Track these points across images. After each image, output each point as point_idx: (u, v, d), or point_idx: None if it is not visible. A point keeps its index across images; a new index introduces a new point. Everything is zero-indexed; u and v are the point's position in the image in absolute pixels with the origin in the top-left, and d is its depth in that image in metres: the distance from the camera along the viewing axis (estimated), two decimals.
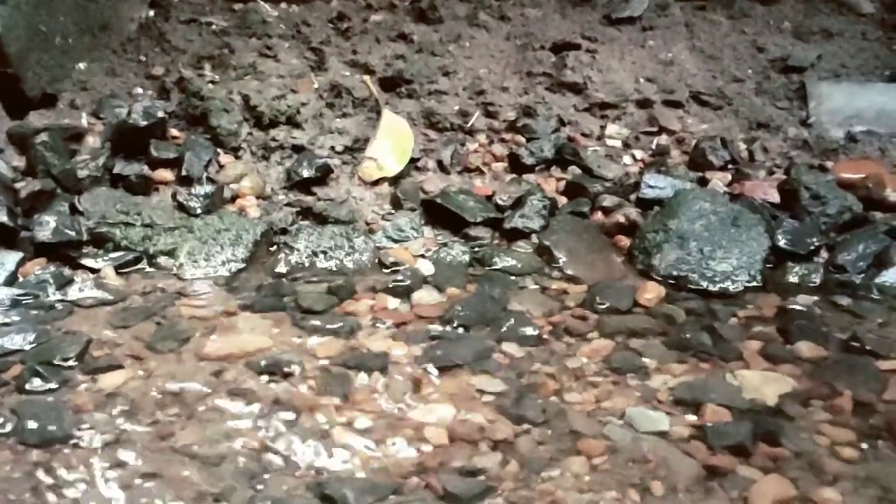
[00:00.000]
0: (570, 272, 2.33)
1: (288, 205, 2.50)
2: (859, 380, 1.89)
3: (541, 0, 3.12)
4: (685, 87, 2.89)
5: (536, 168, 2.67)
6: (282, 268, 2.31)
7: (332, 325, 2.07)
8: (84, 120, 2.62)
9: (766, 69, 2.96)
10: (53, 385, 1.81)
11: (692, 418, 1.77)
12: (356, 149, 2.64)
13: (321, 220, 2.45)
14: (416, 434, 1.72)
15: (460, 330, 2.07)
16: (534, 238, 2.44)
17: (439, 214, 2.49)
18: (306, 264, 2.33)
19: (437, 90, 2.80)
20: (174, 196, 2.46)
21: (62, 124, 2.56)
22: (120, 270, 2.26)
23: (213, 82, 2.73)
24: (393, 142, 2.64)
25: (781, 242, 2.35)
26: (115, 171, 2.47)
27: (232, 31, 2.91)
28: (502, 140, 2.75)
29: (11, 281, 2.17)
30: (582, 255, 2.39)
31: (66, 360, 1.88)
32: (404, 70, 2.81)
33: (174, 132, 2.62)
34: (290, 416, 1.76)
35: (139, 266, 2.29)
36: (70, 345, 1.93)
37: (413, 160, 2.64)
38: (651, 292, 2.21)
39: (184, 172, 2.49)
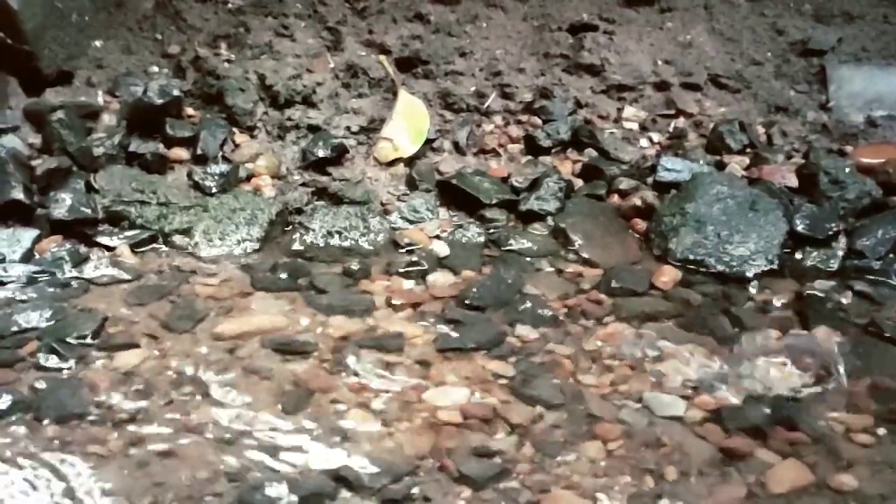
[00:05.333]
0: (585, 255, 2.32)
1: (303, 185, 2.50)
2: (877, 366, 1.88)
3: None
4: (703, 69, 2.86)
5: (552, 150, 2.65)
6: (297, 247, 2.31)
7: (347, 305, 2.06)
8: (100, 98, 2.61)
9: (786, 52, 2.93)
10: (70, 362, 1.82)
11: (708, 403, 1.76)
12: (372, 129, 2.63)
13: (336, 200, 2.44)
14: (431, 416, 1.71)
15: (475, 312, 2.06)
16: (549, 220, 2.43)
17: (454, 196, 2.48)
18: (321, 244, 2.33)
19: (454, 71, 2.78)
20: (189, 175, 2.46)
21: (78, 102, 2.55)
22: (135, 249, 2.26)
23: (228, 61, 2.72)
24: (408, 122, 2.63)
25: (799, 227, 2.33)
26: (131, 149, 2.47)
27: (248, 10, 2.90)
28: (518, 121, 2.73)
29: (28, 258, 2.17)
30: (598, 238, 2.38)
31: (82, 337, 1.89)
32: (421, 50, 2.80)
33: (190, 111, 2.62)
34: (305, 395, 1.76)
35: (154, 244, 2.29)
36: (86, 322, 1.93)
37: (429, 141, 2.63)
38: (667, 276, 2.20)
39: (199, 151, 2.48)
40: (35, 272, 2.13)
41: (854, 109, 2.75)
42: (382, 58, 2.77)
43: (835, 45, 2.92)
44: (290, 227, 2.39)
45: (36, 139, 2.47)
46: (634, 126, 2.74)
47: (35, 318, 1.94)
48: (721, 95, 2.83)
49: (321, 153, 2.52)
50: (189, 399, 1.74)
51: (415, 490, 1.53)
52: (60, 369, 1.80)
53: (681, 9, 3.03)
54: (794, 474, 1.58)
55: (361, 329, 1.98)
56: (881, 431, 1.70)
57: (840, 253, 2.31)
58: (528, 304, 2.08)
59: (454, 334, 1.96)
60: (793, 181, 2.49)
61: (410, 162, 2.58)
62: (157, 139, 2.50)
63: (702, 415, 1.73)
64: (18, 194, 2.25)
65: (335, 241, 2.34)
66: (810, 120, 2.74)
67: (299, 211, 2.42)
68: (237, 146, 2.56)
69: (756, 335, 1.99)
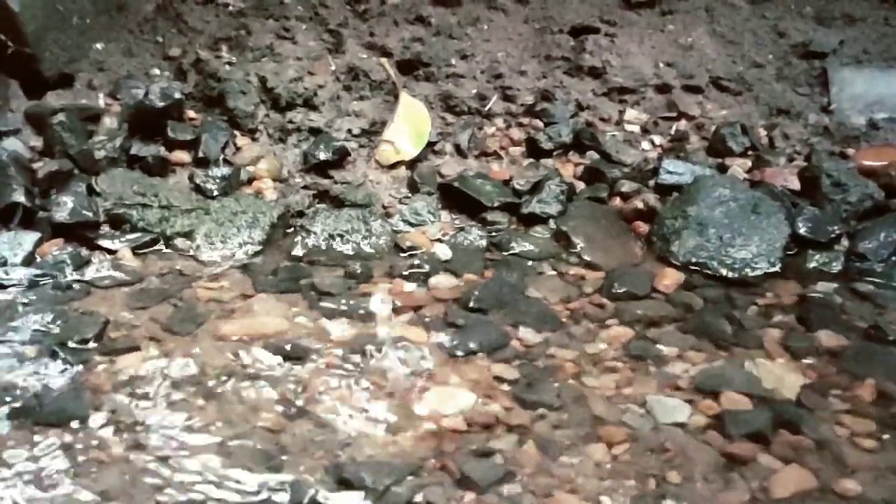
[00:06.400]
0: (587, 258, 2.32)
1: (305, 187, 2.49)
2: (880, 369, 1.88)
3: None
4: (705, 72, 2.86)
5: (554, 153, 2.65)
6: (298, 251, 2.31)
7: (349, 308, 2.06)
8: (101, 100, 2.61)
9: (787, 54, 2.93)
10: (72, 366, 1.81)
11: (711, 406, 1.76)
12: (373, 132, 2.63)
13: (338, 203, 2.44)
14: (434, 419, 1.71)
15: (477, 315, 2.06)
16: (551, 223, 2.43)
17: (456, 199, 2.47)
18: (323, 247, 2.33)
19: (455, 73, 2.78)
20: (191, 178, 2.45)
21: (79, 105, 2.55)
22: (137, 252, 2.26)
23: (230, 64, 2.72)
24: (410, 125, 2.62)
25: (802, 230, 2.33)
26: (132, 152, 2.47)
27: (249, 13, 2.90)
28: (520, 124, 2.73)
29: (29, 261, 2.17)
30: (600, 241, 2.38)
31: (84, 340, 1.88)
32: (422, 53, 2.80)
33: (191, 114, 2.62)
34: (307, 398, 1.76)
35: (156, 247, 2.29)
36: (88, 325, 1.93)
37: (430, 144, 2.63)
38: (669, 279, 2.20)
39: (200, 154, 2.48)
40: (36, 275, 2.12)
41: (855, 112, 2.74)
42: (384, 60, 2.77)
43: (836, 47, 2.91)
44: (292, 230, 2.39)
45: (37, 142, 2.47)
46: (636, 129, 2.74)
47: (37, 322, 1.94)
48: (722, 98, 2.83)
49: (322, 156, 2.52)
50: (191, 402, 1.74)
51: (418, 494, 1.52)
52: (62, 373, 1.80)
53: (682, 11, 3.03)
54: (797, 478, 1.58)
55: (363, 332, 1.98)
56: (885, 436, 1.69)
57: (842, 256, 2.30)
58: (531, 307, 2.08)
59: (456, 337, 1.96)
60: (795, 184, 2.49)
61: (412, 165, 2.58)
62: (158, 142, 2.50)
63: (705, 419, 1.73)
64: (20, 197, 2.25)
65: (337, 243, 2.34)
66: (812, 122, 2.74)
67: (301, 214, 2.42)
68: (238, 149, 2.56)
69: (759, 338, 1.99)
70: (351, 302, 2.09)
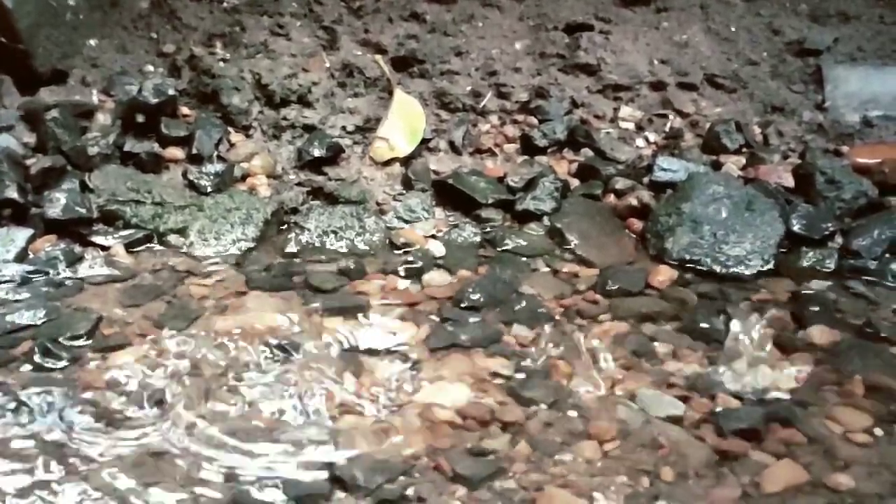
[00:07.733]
0: (581, 255, 2.32)
1: (298, 184, 2.49)
2: (873, 365, 1.88)
3: None
4: (699, 69, 2.86)
5: (549, 150, 2.65)
6: (292, 247, 2.31)
7: (342, 304, 2.06)
8: (95, 97, 2.61)
9: (782, 52, 2.93)
10: (64, 362, 1.81)
11: (704, 402, 1.76)
12: (367, 129, 2.63)
13: (332, 200, 2.44)
14: (426, 415, 1.71)
15: (471, 312, 2.05)
16: (545, 220, 2.43)
17: (450, 195, 2.47)
18: (317, 244, 2.32)
19: (450, 70, 2.78)
20: (184, 174, 2.45)
21: (73, 101, 2.55)
22: (130, 248, 2.25)
23: (224, 60, 2.72)
24: (404, 122, 2.62)
25: (796, 227, 2.33)
26: (126, 148, 2.46)
27: (243, 9, 2.89)
28: (514, 121, 2.73)
29: (22, 257, 2.16)
30: (594, 238, 2.38)
31: (76, 337, 1.88)
32: (417, 50, 2.79)
33: (185, 110, 2.61)
34: (300, 395, 1.76)
35: (149, 244, 2.29)
36: (80, 322, 1.92)
37: (424, 140, 2.63)
38: (663, 276, 2.20)
39: (194, 151, 2.48)
40: (29, 272, 2.12)
41: (850, 109, 2.74)
42: (378, 57, 2.77)
43: (831, 45, 2.92)
44: (286, 226, 2.39)
45: (30, 138, 2.46)
46: (630, 126, 2.74)
47: (29, 318, 1.94)
48: (717, 95, 2.83)
49: (317, 153, 2.52)
50: (183, 399, 1.73)
51: (409, 490, 1.52)
52: (54, 369, 1.80)
53: (677, 8, 3.03)
54: (789, 473, 1.58)
55: (356, 328, 1.97)
56: (878, 432, 1.69)
57: (836, 253, 2.30)
58: (524, 304, 2.07)
59: (450, 334, 1.96)
60: (789, 181, 2.49)
61: (406, 162, 2.58)
62: (152, 138, 2.49)
63: (698, 415, 1.72)
64: (13, 193, 2.24)
65: (330, 240, 2.33)
66: (806, 120, 2.74)
67: (295, 210, 2.42)
68: (232, 145, 2.56)
69: (752, 334, 1.99)
70: (344, 298, 2.08)
